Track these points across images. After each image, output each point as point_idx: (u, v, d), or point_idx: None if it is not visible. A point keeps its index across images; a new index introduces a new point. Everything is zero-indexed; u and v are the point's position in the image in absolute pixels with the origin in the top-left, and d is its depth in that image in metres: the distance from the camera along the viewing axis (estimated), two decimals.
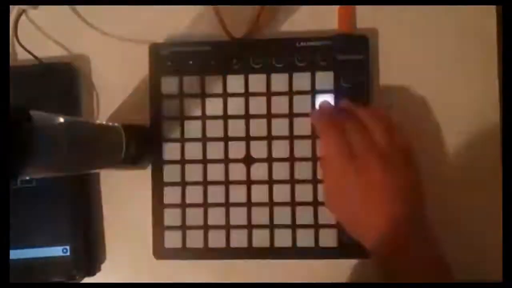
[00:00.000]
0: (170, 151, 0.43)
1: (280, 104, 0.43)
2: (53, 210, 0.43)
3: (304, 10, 0.44)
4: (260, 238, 0.42)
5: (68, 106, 0.44)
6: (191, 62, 0.43)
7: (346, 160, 0.38)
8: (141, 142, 0.41)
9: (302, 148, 0.42)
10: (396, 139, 0.38)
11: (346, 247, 0.41)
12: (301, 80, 0.42)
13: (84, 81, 0.46)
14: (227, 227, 0.43)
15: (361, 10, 0.44)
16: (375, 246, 0.37)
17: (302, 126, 0.42)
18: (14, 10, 0.46)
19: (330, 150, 0.39)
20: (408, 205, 0.37)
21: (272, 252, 0.42)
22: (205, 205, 0.43)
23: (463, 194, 0.42)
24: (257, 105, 0.43)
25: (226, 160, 0.43)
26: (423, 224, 0.37)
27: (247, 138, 0.43)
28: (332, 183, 0.40)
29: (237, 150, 0.43)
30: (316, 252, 0.42)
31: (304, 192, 0.42)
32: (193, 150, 0.43)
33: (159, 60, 0.44)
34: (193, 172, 0.43)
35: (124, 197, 0.45)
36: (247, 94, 0.43)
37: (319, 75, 0.42)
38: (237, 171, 0.43)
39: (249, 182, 0.43)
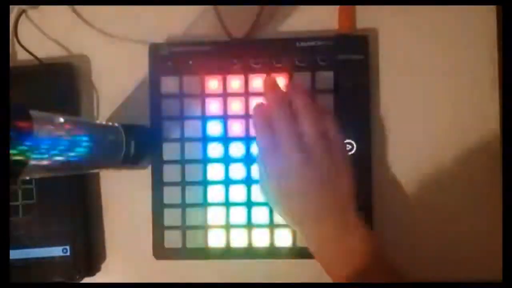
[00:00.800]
0: (170, 151, 0.43)
1: None
2: (53, 210, 0.43)
3: (304, 10, 0.44)
4: (260, 238, 0.42)
5: (68, 106, 0.44)
6: (191, 62, 0.43)
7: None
8: (141, 142, 0.41)
9: None
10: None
11: None
12: (301, 80, 0.42)
13: (84, 81, 0.46)
14: (227, 227, 0.43)
15: (361, 10, 0.44)
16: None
17: None
18: (14, 10, 0.46)
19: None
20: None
21: (272, 252, 0.42)
22: (205, 205, 0.43)
23: (463, 194, 0.42)
24: None
25: (226, 160, 0.43)
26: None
27: (247, 138, 0.43)
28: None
29: (237, 150, 0.43)
30: None
31: None
32: (193, 150, 0.43)
33: (159, 60, 0.44)
34: (193, 172, 0.43)
35: (124, 197, 0.45)
36: (247, 94, 0.43)
37: (319, 75, 0.42)
38: (237, 171, 0.43)
39: (249, 182, 0.43)
